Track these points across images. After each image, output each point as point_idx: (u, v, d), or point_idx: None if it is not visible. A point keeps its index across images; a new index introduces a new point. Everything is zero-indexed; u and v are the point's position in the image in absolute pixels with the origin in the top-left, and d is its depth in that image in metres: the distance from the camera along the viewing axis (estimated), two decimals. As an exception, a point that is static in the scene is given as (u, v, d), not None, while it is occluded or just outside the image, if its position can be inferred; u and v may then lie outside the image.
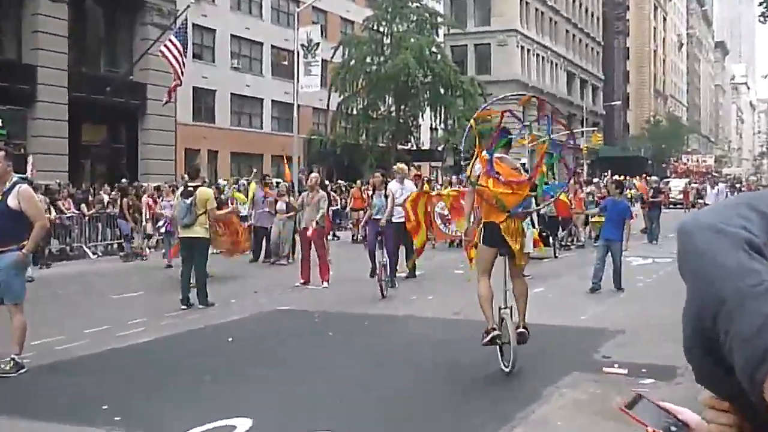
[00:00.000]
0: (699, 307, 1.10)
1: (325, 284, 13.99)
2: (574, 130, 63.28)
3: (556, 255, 18.89)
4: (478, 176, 7.58)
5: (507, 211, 7.50)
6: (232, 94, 40.77)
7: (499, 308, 7.81)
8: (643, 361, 7.98)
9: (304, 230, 14.38)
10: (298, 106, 33.66)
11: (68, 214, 20.38)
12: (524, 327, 7.82)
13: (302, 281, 14.25)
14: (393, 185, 14.64)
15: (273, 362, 8.36)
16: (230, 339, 9.55)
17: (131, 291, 13.73)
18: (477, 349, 8.91)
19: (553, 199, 9.21)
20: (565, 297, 12.89)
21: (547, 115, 7.90)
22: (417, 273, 15.39)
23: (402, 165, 15.81)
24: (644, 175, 36.81)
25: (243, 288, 14.04)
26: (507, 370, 7.62)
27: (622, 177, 52.52)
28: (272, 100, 43.31)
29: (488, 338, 7.57)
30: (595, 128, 74.63)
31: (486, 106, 7.89)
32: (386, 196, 13.74)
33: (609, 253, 13.19)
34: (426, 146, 53.02)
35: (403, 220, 14.24)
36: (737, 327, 1.04)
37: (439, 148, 50.96)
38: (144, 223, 20.11)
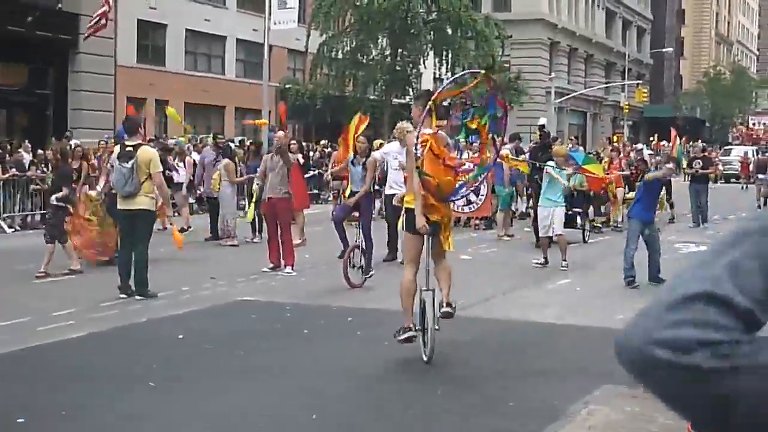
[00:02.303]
0: None
1: (289, 269, 14.12)
2: (610, 84, 63.06)
3: (586, 239, 18.95)
4: (422, 161, 8.34)
5: (444, 200, 8.60)
6: (187, 30, 40.54)
7: (420, 290, 8.60)
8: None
9: (268, 202, 14.40)
10: (270, 47, 33.51)
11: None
12: (448, 304, 8.68)
13: (271, 265, 14.30)
14: (393, 146, 14.74)
15: (233, 366, 8.37)
16: (180, 336, 9.57)
17: (59, 274, 13.70)
18: (483, 353, 8.98)
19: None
20: (596, 292, 12.93)
21: (492, 94, 9.01)
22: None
23: (406, 124, 15.90)
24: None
25: (198, 273, 14.04)
26: (425, 359, 8.44)
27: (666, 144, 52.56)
28: (237, 39, 43.09)
29: (404, 337, 8.46)
30: (640, 81, 74.59)
31: (443, 87, 9.03)
32: (365, 166, 13.63)
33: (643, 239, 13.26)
34: (428, 100, 52.93)
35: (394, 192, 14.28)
36: None
37: (445, 103, 50.83)
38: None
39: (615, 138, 52.82)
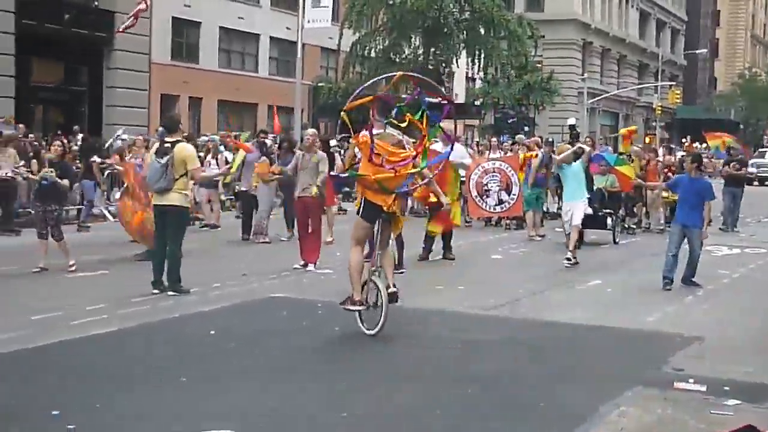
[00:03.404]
0: None
1: (311, 266, 14.14)
2: (643, 85, 62.50)
3: (616, 240, 18.82)
4: (358, 161, 9.49)
5: (392, 192, 9.35)
6: (220, 27, 40.72)
7: (370, 272, 9.57)
8: (726, 377, 7.96)
9: (299, 200, 14.43)
10: (303, 45, 33.57)
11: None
12: (394, 286, 9.55)
13: (302, 263, 14.33)
14: (435, 146, 15.05)
15: (264, 362, 8.39)
16: (212, 332, 9.60)
17: (91, 269, 13.79)
18: (513, 354, 8.94)
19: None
20: (627, 293, 12.85)
21: (419, 91, 9.86)
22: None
23: (445, 124, 16.09)
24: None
25: (229, 269, 14.08)
26: (373, 332, 9.38)
27: (703, 145, 52.45)
28: (271, 37, 43.21)
29: (353, 308, 9.48)
30: (673, 83, 74.14)
31: (355, 95, 9.65)
32: None
33: (686, 242, 13.14)
34: (460, 99, 52.82)
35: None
36: None
37: (477, 103, 50.79)
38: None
39: (648, 139, 52.47)
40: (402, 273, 13.03)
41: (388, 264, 9.71)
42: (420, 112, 9.59)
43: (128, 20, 27.05)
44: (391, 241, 10.25)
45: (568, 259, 14.95)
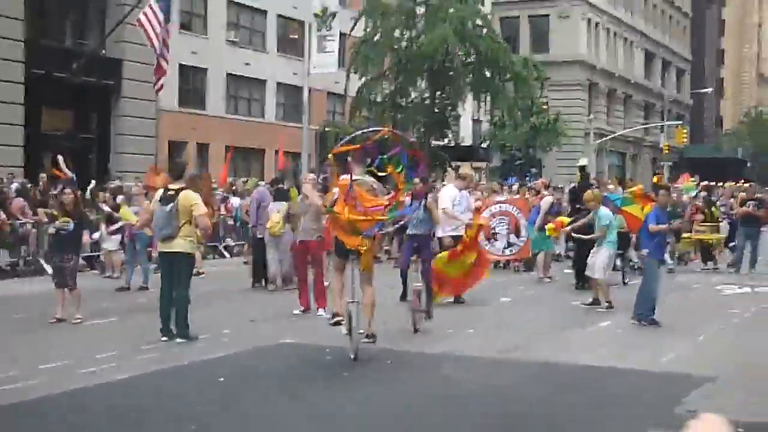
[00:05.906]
0: None
1: (321, 311, 13.97)
2: (649, 125, 62.76)
3: (626, 281, 18.70)
4: (335, 201, 10.44)
5: (359, 234, 10.31)
6: (228, 74, 41.01)
7: (348, 302, 10.60)
8: (740, 418, 7.88)
9: (300, 244, 14.35)
10: (309, 90, 33.81)
11: (23, 220, 20.55)
12: (370, 335, 11.02)
13: (302, 309, 14.27)
14: (451, 191, 15.24)
15: (273, 409, 8.36)
16: (221, 379, 9.57)
17: (100, 316, 13.79)
18: (529, 396, 8.89)
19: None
20: (638, 334, 12.80)
21: (401, 147, 10.82)
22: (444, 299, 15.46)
23: (469, 171, 16.42)
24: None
25: (237, 315, 14.07)
26: (352, 357, 10.44)
27: (712, 183, 52.48)
28: (277, 83, 43.50)
29: (333, 321, 10.75)
30: (680, 122, 74.23)
31: (343, 142, 11.03)
32: (427, 208, 13.54)
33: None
34: (467, 142, 53.01)
35: (457, 233, 15.21)
36: None
37: (484, 145, 50.98)
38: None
39: (655, 179, 52.36)
40: (430, 319, 12.94)
41: (366, 302, 10.77)
42: (400, 167, 10.58)
43: (158, 84, 27.25)
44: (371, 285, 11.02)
45: (589, 304, 15.01)
